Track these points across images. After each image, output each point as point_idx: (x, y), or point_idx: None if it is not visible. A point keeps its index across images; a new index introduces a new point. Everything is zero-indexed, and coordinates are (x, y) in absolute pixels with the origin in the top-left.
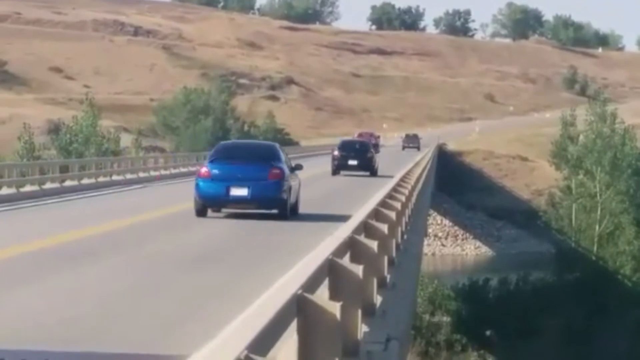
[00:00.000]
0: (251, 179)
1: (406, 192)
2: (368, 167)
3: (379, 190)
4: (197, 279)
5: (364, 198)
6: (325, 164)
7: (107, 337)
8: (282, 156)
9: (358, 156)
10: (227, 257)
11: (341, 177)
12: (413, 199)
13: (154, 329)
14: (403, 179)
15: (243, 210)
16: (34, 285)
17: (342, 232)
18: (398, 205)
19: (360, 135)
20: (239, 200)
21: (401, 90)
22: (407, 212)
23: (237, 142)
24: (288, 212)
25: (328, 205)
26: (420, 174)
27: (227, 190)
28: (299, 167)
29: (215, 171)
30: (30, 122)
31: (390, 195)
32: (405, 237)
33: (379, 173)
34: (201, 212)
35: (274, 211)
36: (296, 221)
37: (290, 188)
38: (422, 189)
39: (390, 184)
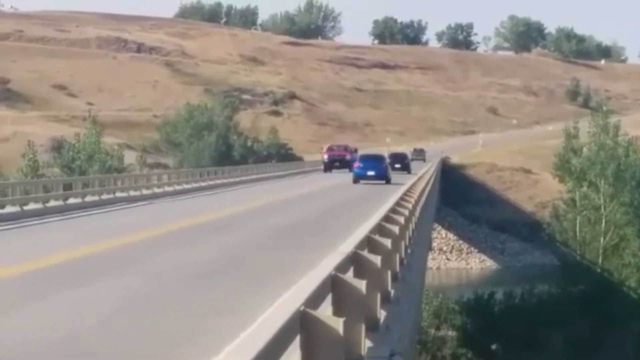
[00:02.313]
0: (375, 168)
1: (409, 205)
2: (407, 168)
3: (410, 179)
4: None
5: (404, 181)
6: None
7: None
8: (386, 158)
9: (400, 162)
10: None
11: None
12: (417, 213)
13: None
14: (407, 192)
15: (369, 182)
16: (38, 303)
17: (345, 247)
18: (401, 219)
19: (330, 148)
20: (370, 177)
21: (404, 104)
22: (411, 225)
23: (368, 153)
24: (389, 181)
25: (395, 180)
26: (424, 188)
27: (366, 172)
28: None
29: (361, 165)
30: (34, 139)
31: (393, 210)
32: (409, 250)
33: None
34: (355, 182)
35: (383, 182)
36: (390, 185)
37: (389, 172)
38: (426, 202)
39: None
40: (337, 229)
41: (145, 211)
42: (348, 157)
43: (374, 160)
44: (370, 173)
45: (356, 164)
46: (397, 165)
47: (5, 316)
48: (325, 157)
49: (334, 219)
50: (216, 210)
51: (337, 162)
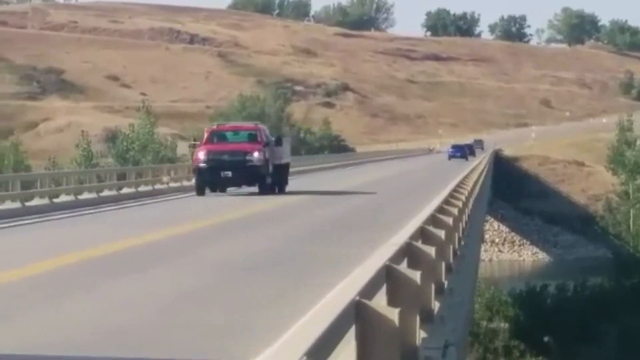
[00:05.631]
0: (461, 152)
1: (463, 197)
2: (473, 153)
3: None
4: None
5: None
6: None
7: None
8: (465, 147)
9: (469, 148)
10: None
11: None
12: (470, 204)
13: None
14: (459, 185)
15: None
16: (92, 292)
17: (399, 238)
18: (455, 210)
19: (216, 134)
20: (457, 156)
21: (456, 96)
22: (464, 217)
23: (457, 143)
24: (467, 159)
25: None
26: (477, 179)
27: (455, 154)
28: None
29: (452, 150)
30: (88, 130)
31: (447, 201)
32: (462, 242)
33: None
34: (449, 159)
35: (464, 159)
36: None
37: (467, 154)
38: (479, 194)
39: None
40: (395, 216)
41: (197, 201)
42: (256, 156)
43: (460, 148)
44: (458, 154)
45: (450, 150)
46: (468, 151)
47: (58, 305)
48: (201, 156)
49: (395, 205)
50: (267, 200)
51: (226, 170)
